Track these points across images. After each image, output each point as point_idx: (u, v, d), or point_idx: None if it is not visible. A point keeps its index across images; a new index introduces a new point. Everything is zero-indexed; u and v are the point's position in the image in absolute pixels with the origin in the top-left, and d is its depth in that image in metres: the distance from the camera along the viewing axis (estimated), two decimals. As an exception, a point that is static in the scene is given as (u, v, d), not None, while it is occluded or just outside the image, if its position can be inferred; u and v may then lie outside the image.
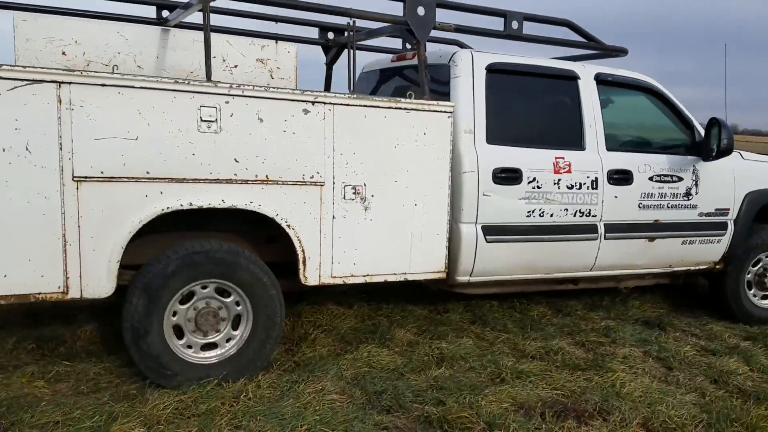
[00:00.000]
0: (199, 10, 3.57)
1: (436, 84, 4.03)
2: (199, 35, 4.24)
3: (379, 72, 4.86)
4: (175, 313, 3.26)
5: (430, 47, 4.13)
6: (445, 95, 3.96)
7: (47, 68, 2.90)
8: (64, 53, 4.09)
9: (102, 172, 2.97)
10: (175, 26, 4.36)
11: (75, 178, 2.92)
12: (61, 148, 2.88)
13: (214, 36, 4.17)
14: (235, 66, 4.59)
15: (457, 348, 3.96)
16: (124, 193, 3.02)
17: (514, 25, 4.28)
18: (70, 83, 2.86)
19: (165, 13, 4.34)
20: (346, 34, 4.12)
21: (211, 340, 3.36)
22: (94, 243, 3.00)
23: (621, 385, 3.51)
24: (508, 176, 3.99)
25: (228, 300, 3.36)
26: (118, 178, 3.00)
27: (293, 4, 3.74)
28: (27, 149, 2.83)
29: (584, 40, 4.61)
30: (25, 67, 2.83)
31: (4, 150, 2.79)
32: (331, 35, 4.99)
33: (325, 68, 5.17)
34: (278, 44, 4.67)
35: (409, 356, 3.85)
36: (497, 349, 4.03)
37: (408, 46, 4.68)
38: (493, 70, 4.07)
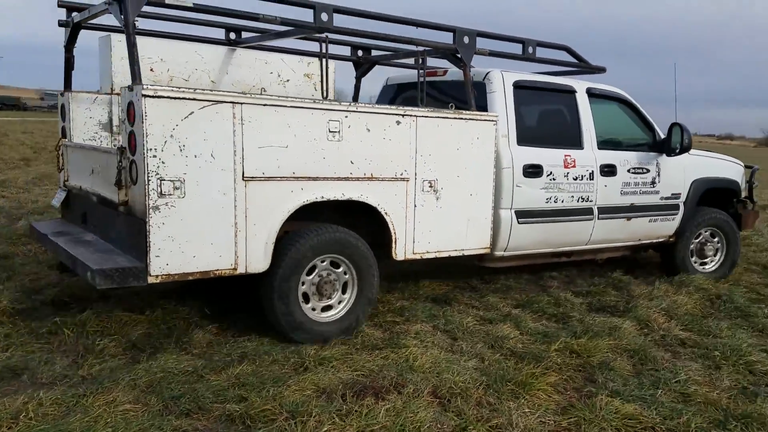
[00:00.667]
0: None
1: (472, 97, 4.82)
2: (260, 54, 5.39)
3: (401, 85, 5.87)
4: (303, 283, 4.05)
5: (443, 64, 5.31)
6: (480, 107, 4.84)
7: (226, 92, 3.62)
8: (151, 69, 4.88)
9: (263, 173, 3.73)
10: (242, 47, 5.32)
11: (245, 178, 3.67)
12: (234, 155, 3.60)
13: (271, 54, 5.45)
14: (287, 80, 5.57)
15: (260, 344, 3.95)
16: (277, 189, 3.81)
17: (530, 49, 5.28)
18: (242, 104, 3.60)
19: (232, 35, 5.26)
20: (418, 60, 5.02)
21: (329, 303, 4.21)
22: (256, 229, 3.75)
23: (413, 359, 3.76)
24: (533, 171, 5.07)
25: (338, 270, 4.21)
26: (274, 177, 3.78)
27: (378, 35, 4.63)
28: (212, 155, 3.54)
29: (576, 60, 5.77)
30: (211, 90, 3.63)
31: (196, 156, 3.48)
32: (360, 53, 5.87)
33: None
34: (317, 60, 5.52)
35: (210, 357, 3.77)
36: (299, 339, 4.09)
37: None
38: (517, 86, 5.10)
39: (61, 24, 4.56)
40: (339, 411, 3.10)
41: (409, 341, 4.10)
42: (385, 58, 5.90)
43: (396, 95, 5.86)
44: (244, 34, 5.25)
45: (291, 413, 3.04)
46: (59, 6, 4.45)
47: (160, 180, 3.40)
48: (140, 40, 4.06)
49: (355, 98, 6.18)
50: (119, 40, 4.73)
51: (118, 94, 4.78)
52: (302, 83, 5.64)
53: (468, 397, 3.39)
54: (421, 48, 4.81)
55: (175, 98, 3.41)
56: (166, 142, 3.39)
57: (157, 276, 3.45)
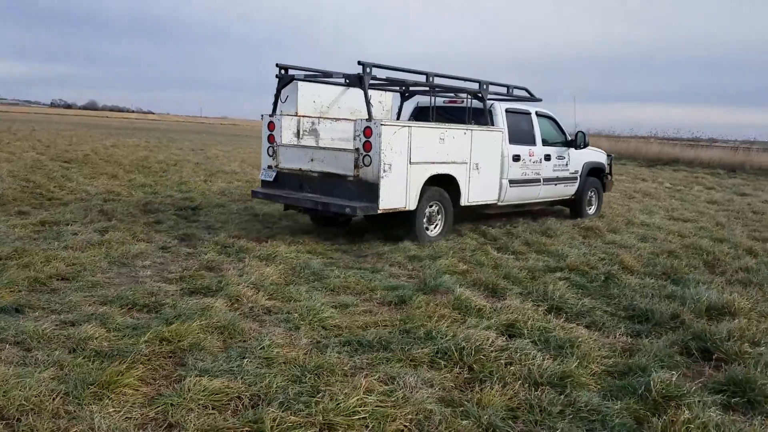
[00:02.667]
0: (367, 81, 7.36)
1: (481, 117, 8.69)
2: (358, 91, 7.69)
3: (426, 108, 9.02)
4: (425, 214, 7.85)
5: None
6: (487, 124, 8.68)
7: (406, 121, 8.27)
8: (314, 102, 8.62)
9: (416, 161, 7.47)
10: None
11: (410, 163, 7.37)
12: (408, 151, 7.33)
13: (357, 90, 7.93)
14: (373, 106, 8.09)
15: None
16: (421, 169, 7.54)
17: (511, 90, 9.41)
18: (411, 127, 7.42)
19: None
20: (479, 94, 8.70)
21: (434, 225, 8.07)
22: (413, 188, 7.49)
23: (-30, 385, 3.18)
24: (516, 158, 9.11)
25: (437, 209, 8.02)
26: (420, 162, 7.49)
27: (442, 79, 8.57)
28: (400, 152, 7.30)
29: (529, 95, 9.80)
30: (401, 121, 8.68)
31: (395, 152, 7.20)
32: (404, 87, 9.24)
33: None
34: (385, 93, 9.62)
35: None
36: None
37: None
38: (507, 111, 9.16)
39: (277, 76, 8.01)
40: None
41: (-36, 364, 3.45)
42: (423, 93, 9.49)
43: (422, 113, 9.44)
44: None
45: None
46: (277, 67, 7.95)
47: (384, 164, 7.07)
48: (309, 85, 8.49)
49: (398, 115, 10.15)
50: (303, 85, 8.40)
51: (300, 116, 8.42)
52: (377, 106, 9.29)
53: (42, 411, 3.03)
54: (464, 94, 8.97)
55: (389, 125, 7.21)
56: (387, 145, 7.08)
57: (380, 209, 7.13)
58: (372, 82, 7.53)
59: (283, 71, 7.93)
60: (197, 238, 7.41)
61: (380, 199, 7.04)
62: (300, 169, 7.83)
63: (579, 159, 10.51)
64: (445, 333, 4.33)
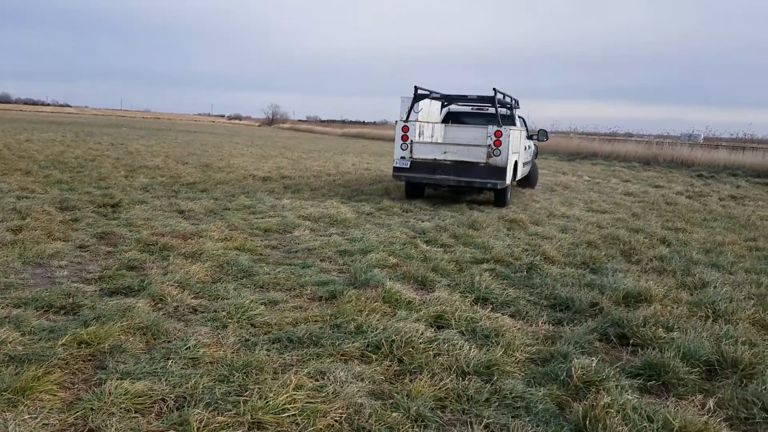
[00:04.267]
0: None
1: (508, 120, 12.97)
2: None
3: (457, 112, 14.26)
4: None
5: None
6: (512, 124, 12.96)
7: (516, 126, 12.64)
8: (420, 109, 12.20)
9: (514, 152, 11.95)
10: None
11: (512, 153, 11.82)
12: (517, 146, 12.29)
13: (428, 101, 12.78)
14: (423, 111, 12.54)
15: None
16: (515, 156, 12.18)
17: (515, 102, 13.87)
18: (515, 130, 11.93)
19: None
20: (509, 102, 13.42)
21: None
22: (512, 169, 12.12)
23: None
24: (526, 148, 13.69)
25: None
26: (514, 153, 11.89)
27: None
28: (514, 147, 11.80)
29: (514, 101, 13.74)
30: (516, 126, 12.89)
31: (512, 147, 11.44)
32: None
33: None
34: (432, 101, 12.83)
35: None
36: None
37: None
38: (518, 116, 14.15)
39: (415, 94, 11.71)
40: None
41: None
42: (460, 100, 12.98)
43: (452, 116, 14.06)
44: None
45: None
46: (415, 88, 11.59)
47: (510, 155, 11.09)
48: (423, 101, 12.37)
49: (444, 118, 14.06)
50: (424, 101, 12.30)
51: (418, 122, 11.96)
52: (435, 111, 13.40)
53: (-52, 423, 2.84)
54: (502, 107, 12.55)
55: (513, 129, 11.30)
56: (512, 142, 11.12)
57: (506, 185, 11.21)
58: (433, 95, 12.22)
59: (418, 90, 11.66)
60: (118, 236, 7.14)
61: (506, 178, 11.03)
62: (434, 159, 11.30)
63: (534, 148, 15.73)
64: (375, 327, 4.35)
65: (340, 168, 18.72)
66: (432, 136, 12.69)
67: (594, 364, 3.85)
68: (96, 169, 13.97)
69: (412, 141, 11.42)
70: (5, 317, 4.30)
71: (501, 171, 10.91)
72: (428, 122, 12.54)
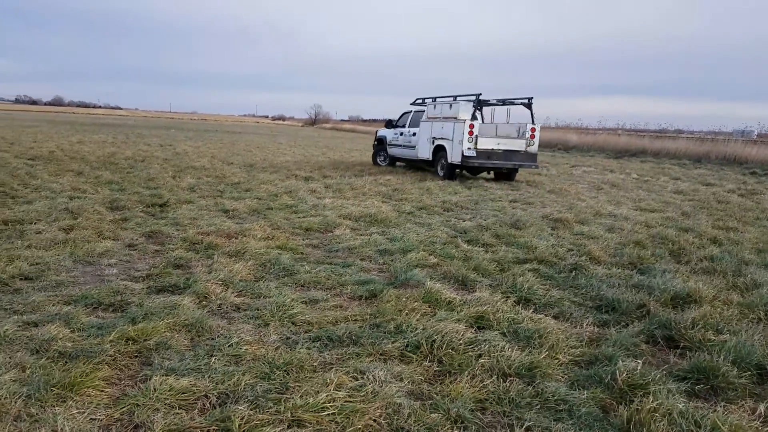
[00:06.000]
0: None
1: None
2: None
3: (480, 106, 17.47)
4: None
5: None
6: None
7: (532, 123, 15.86)
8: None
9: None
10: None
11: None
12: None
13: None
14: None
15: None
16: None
17: (530, 101, 15.92)
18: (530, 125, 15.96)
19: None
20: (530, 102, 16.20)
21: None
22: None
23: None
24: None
25: None
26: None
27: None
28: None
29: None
30: (534, 123, 16.06)
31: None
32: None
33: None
34: (459, 102, 15.86)
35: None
36: None
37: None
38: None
39: (478, 101, 16.45)
40: None
41: None
42: (489, 105, 16.96)
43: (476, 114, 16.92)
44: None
45: None
46: (476, 96, 16.09)
47: (535, 144, 15.64)
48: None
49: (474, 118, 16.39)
50: (482, 106, 17.17)
51: (477, 121, 16.59)
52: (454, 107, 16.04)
53: (3, 414, 2.97)
54: (521, 107, 16.21)
55: (540, 127, 15.83)
56: (538, 135, 15.68)
57: (537, 163, 16.22)
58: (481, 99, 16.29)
59: (480, 97, 16.05)
60: (165, 235, 7.31)
61: (536, 159, 15.74)
62: (491, 149, 15.12)
63: None
64: (415, 326, 4.34)
65: (381, 167, 18.75)
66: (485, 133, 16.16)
67: (640, 367, 3.75)
68: (145, 170, 14.34)
69: (476, 135, 14.91)
70: (56, 314, 4.45)
71: (534, 157, 15.60)
72: (483, 122, 16.92)
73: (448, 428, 3.13)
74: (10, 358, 3.64)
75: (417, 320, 4.49)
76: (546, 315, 4.91)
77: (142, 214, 8.75)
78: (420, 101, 18.07)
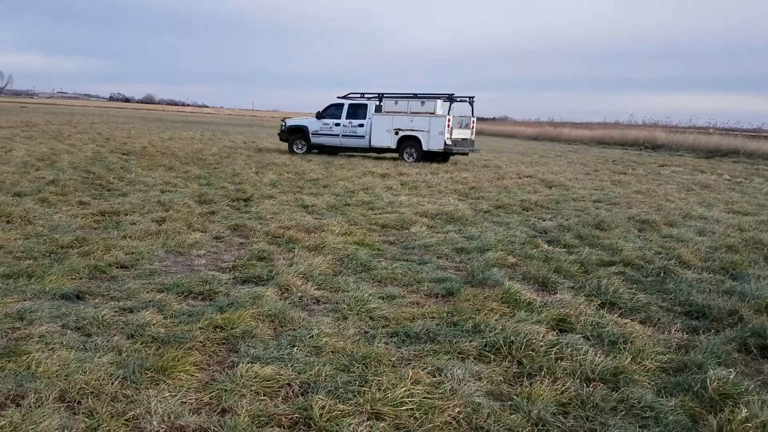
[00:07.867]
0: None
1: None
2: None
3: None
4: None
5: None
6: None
7: (464, 115, 20.35)
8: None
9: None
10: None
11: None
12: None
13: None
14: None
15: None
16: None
17: (473, 99, 19.74)
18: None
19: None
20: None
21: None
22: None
23: (36, 365, 3.35)
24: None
25: None
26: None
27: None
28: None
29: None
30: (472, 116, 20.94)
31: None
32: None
33: None
34: (436, 100, 18.98)
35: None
36: None
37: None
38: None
39: (456, 98, 19.72)
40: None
41: (30, 346, 3.62)
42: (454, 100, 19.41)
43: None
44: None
45: None
46: (451, 95, 19.57)
47: (474, 134, 20.24)
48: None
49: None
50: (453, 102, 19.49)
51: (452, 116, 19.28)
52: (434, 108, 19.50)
53: (101, 394, 3.16)
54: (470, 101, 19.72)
55: (475, 119, 20.33)
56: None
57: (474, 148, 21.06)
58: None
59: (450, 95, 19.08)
60: (249, 229, 7.56)
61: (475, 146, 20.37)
62: (457, 138, 18.63)
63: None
64: (493, 326, 4.29)
65: (457, 165, 18.65)
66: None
67: (732, 376, 3.57)
68: (230, 166, 14.87)
69: (452, 128, 18.42)
70: (150, 301, 4.69)
71: (473, 142, 19.95)
72: (453, 116, 19.37)
73: (528, 430, 3.09)
74: (107, 341, 3.87)
75: (495, 320, 4.44)
76: (632, 320, 4.74)
77: (228, 208, 9.09)
78: (359, 95, 19.93)
